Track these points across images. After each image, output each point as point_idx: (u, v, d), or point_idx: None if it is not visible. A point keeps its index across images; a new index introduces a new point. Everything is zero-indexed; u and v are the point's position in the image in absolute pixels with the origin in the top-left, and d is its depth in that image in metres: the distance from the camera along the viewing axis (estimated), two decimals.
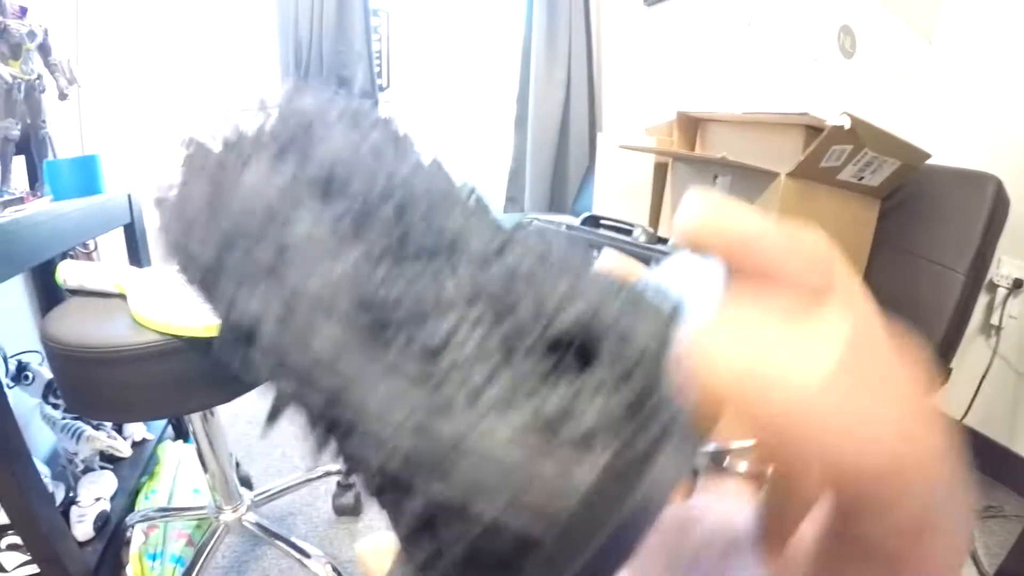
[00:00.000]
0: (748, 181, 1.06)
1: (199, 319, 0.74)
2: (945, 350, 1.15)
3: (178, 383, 0.78)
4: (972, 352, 1.41)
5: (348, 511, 1.22)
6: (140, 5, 2.24)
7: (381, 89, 2.72)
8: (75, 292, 0.98)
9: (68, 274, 0.96)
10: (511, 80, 2.85)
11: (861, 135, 0.96)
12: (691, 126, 1.27)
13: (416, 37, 2.87)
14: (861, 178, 1.08)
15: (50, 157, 1.30)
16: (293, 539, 0.99)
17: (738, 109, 1.04)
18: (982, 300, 1.36)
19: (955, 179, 1.18)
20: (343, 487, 1.23)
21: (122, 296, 0.88)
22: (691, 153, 1.24)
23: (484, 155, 3.05)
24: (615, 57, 2.86)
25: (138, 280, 0.91)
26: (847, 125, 0.93)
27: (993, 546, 1.15)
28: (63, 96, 1.39)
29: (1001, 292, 1.33)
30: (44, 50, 1.32)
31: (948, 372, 1.36)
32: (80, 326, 0.82)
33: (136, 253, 1.32)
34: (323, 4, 2.45)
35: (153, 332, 0.76)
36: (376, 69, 2.66)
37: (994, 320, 1.35)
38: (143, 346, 0.75)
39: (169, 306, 0.79)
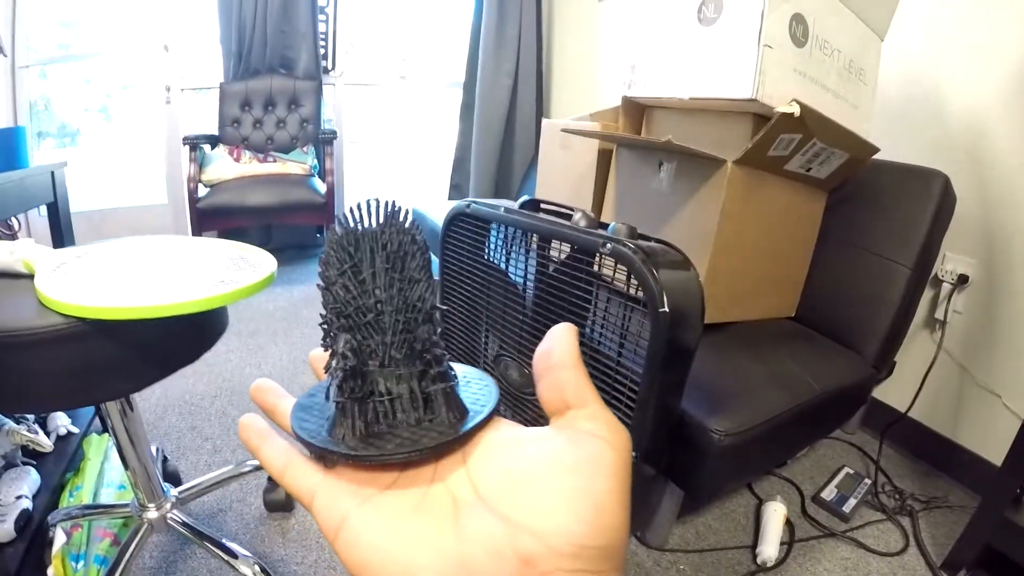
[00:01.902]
0: (694, 168, 1.04)
1: (108, 299, 0.68)
2: (891, 343, 1.16)
3: (84, 370, 0.72)
4: (917, 346, 1.43)
5: (279, 507, 1.16)
6: None
7: (326, 71, 2.65)
8: None
9: None
10: (459, 67, 2.82)
11: (810, 125, 0.95)
12: (637, 113, 1.24)
13: (365, 20, 2.81)
14: (808, 169, 1.07)
15: None
16: (219, 538, 0.94)
17: (686, 95, 1.02)
18: (927, 295, 1.38)
19: (903, 174, 1.18)
20: (273, 482, 1.17)
21: (32, 276, 0.81)
22: (635, 137, 1.20)
23: (431, 141, 3.01)
24: (566, 49, 2.84)
25: (51, 259, 0.84)
26: (796, 112, 0.92)
27: (939, 536, 1.17)
28: None
29: (946, 287, 1.35)
30: None
31: (892, 365, 1.38)
32: None
33: (60, 234, 1.24)
34: None
35: (58, 314, 0.70)
36: (321, 51, 2.58)
37: (939, 315, 1.37)
38: (45, 329, 0.69)
39: (79, 285, 0.73)
